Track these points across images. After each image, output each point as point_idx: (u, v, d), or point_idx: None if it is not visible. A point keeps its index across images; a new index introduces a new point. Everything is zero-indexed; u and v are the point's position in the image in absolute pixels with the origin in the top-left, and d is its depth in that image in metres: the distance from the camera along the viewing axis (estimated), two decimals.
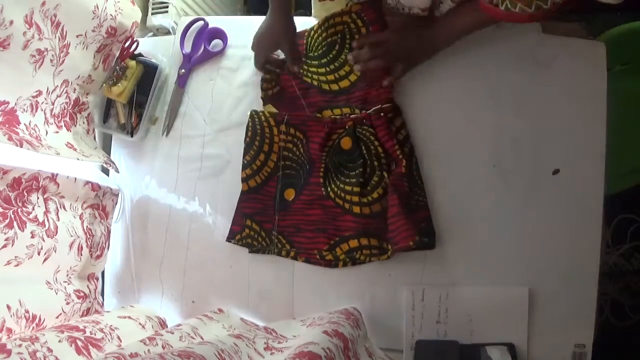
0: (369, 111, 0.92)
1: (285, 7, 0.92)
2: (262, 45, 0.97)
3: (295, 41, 0.97)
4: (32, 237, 0.79)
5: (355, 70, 0.92)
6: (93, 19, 0.87)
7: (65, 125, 0.91)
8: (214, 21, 1.05)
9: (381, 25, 0.93)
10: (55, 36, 0.81)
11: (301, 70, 0.98)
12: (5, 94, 0.76)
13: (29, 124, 0.81)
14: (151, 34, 1.12)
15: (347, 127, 0.93)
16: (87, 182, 0.93)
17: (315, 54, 0.97)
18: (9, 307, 0.73)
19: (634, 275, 1.46)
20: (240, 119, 1.00)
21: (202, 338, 0.81)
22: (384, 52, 0.89)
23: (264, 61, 0.98)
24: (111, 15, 0.90)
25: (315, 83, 0.97)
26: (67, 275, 0.90)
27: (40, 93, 0.82)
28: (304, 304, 0.95)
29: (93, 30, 0.88)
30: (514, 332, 0.88)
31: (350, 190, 0.91)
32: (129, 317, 0.89)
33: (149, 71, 1.01)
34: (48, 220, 0.83)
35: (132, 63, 0.99)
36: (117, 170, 1.01)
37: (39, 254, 0.80)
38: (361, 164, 0.92)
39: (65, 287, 0.88)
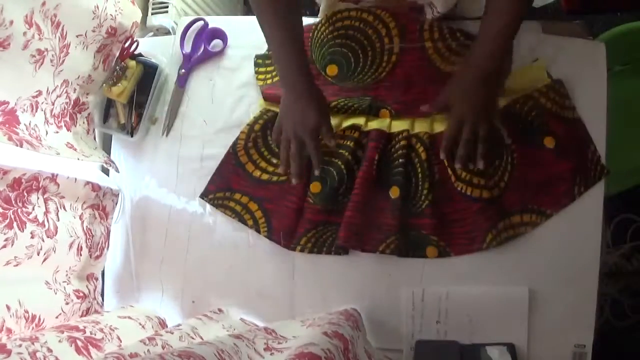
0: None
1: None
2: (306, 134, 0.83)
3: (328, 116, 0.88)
4: (32, 237, 0.79)
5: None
6: (93, 19, 0.87)
7: (65, 125, 0.91)
8: (214, 21, 1.05)
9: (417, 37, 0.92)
10: (55, 36, 0.81)
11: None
12: (5, 94, 0.76)
13: (29, 124, 0.80)
14: (151, 34, 1.12)
15: None
16: (87, 183, 0.93)
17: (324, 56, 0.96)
18: (8, 307, 0.73)
19: (634, 275, 1.46)
20: (241, 119, 1.00)
21: (202, 338, 0.81)
22: (471, 131, 0.80)
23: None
24: (111, 15, 0.90)
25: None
26: (67, 275, 0.90)
27: (40, 93, 0.82)
28: (304, 304, 0.95)
29: (93, 30, 0.88)
30: (514, 332, 0.88)
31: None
32: (129, 317, 0.89)
33: (149, 71, 1.01)
34: (48, 220, 0.83)
35: (132, 63, 0.99)
36: (117, 170, 1.01)
37: (38, 254, 0.80)
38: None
39: (64, 287, 0.88)
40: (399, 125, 0.93)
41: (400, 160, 0.91)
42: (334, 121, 0.92)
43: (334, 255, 0.94)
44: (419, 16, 0.94)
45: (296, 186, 0.93)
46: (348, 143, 0.93)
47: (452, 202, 0.90)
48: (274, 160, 0.97)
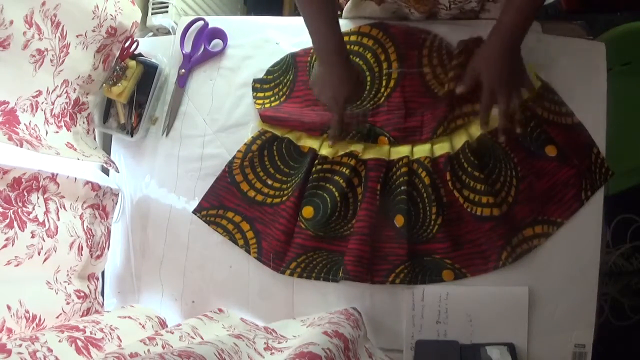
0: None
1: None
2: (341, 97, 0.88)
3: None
4: (32, 237, 0.79)
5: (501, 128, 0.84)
6: (93, 19, 0.87)
7: (65, 125, 0.91)
8: (214, 21, 1.05)
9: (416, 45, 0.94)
10: (55, 36, 0.81)
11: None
12: (5, 94, 0.76)
13: (29, 123, 0.81)
14: (151, 34, 1.12)
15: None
16: (87, 182, 0.93)
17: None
18: (9, 307, 0.73)
19: (634, 275, 1.46)
20: (240, 119, 1.00)
21: (202, 338, 0.81)
22: (504, 92, 0.81)
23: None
24: (111, 15, 0.90)
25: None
26: (67, 275, 0.90)
27: (40, 93, 0.82)
28: (304, 304, 0.95)
29: (93, 30, 0.88)
30: (514, 332, 0.88)
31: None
32: (129, 317, 0.89)
33: (149, 71, 1.01)
34: (48, 220, 0.83)
35: (132, 63, 0.99)
36: (117, 170, 1.01)
37: (39, 254, 0.80)
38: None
39: (65, 287, 0.88)
40: (398, 152, 0.92)
41: (402, 187, 0.90)
42: (331, 147, 0.93)
43: (323, 281, 0.93)
44: (418, 40, 0.94)
45: (288, 210, 0.94)
46: (344, 170, 0.93)
47: (463, 224, 0.90)
48: (269, 182, 0.97)
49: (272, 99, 0.99)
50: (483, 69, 0.83)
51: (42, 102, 0.83)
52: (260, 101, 0.99)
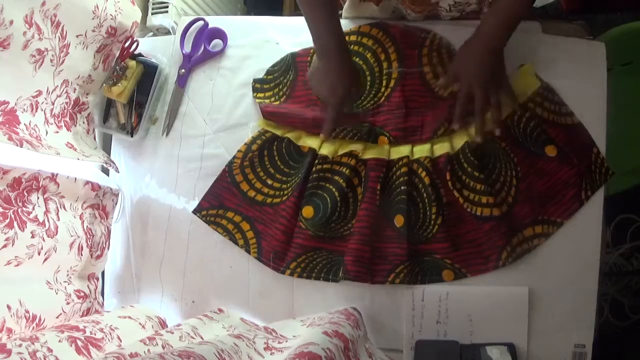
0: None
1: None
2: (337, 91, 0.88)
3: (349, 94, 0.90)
4: (32, 237, 0.79)
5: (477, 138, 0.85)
6: (93, 19, 0.87)
7: (65, 125, 0.91)
8: (214, 21, 1.05)
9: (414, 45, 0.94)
10: (55, 36, 0.81)
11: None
12: (5, 94, 0.76)
13: (29, 123, 0.81)
14: (151, 34, 1.12)
15: None
16: (87, 182, 0.93)
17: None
18: (9, 307, 0.73)
19: (634, 275, 1.46)
20: (241, 119, 1.00)
21: (202, 338, 0.81)
22: (482, 96, 0.81)
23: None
24: (111, 15, 0.90)
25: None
26: (67, 275, 0.90)
27: (40, 93, 0.82)
28: (304, 304, 0.95)
29: (93, 30, 0.88)
30: (514, 332, 0.88)
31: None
32: (129, 317, 0.89)
33: (149, 71, 1.01)
34: (48, 220, 0.83)
35: (132, 63, 0.99)
36: (117, 170, 1.01)
37: (39, 254, 0.80)
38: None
39: (65, 287, 0.88)
40: (398, 152, 0.92)
41: (402, 187, 0.90)
42: (331, 147, 0.93)
43: (323, 281, 0.93)
44: (418, 40, 0.94)
45: (288, 209, 0.94)
46: (344, 170, 0.93)
47: (463, 224, 0.90)
48: (270, 182, 0.97)
49: (273, 99, 0.99)
50: (461, 69, 0.83)
51: (42, 102, 0.84)
52: (260, 101, 0.99)
